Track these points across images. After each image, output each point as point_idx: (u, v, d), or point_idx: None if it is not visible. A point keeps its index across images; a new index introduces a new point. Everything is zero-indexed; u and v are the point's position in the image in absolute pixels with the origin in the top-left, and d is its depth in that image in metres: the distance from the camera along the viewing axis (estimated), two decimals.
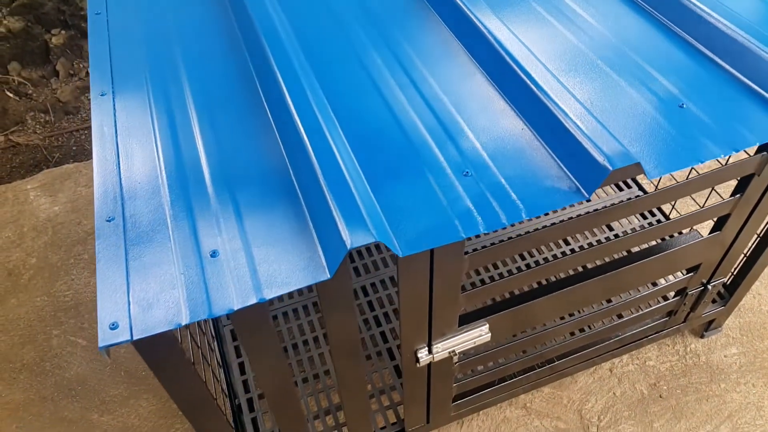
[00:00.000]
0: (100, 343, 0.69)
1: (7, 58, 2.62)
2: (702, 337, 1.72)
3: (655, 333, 1.56)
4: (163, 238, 0.81)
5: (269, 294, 0.73)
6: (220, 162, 0.92)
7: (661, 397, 1.62)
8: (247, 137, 0.96)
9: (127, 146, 0.95)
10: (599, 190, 1.94)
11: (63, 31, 2.65)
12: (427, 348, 1.15)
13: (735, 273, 1.54)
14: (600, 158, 0.80)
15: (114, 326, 0.71)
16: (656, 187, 2.01)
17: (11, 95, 2.58)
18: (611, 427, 1.57)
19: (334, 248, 0.74)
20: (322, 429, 1.48)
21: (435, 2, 1.22)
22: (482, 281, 1.79)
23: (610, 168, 0.78)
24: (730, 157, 1.03)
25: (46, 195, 2.26)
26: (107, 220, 0.84)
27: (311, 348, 1.63)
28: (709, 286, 1.44)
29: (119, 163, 0.93)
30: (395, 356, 1.60)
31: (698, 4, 1.11)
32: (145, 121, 1.00)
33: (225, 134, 0.96)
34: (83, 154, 2.44)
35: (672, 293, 1.50)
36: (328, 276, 0.74)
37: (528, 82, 0.96)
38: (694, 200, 1.79)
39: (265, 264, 0.77)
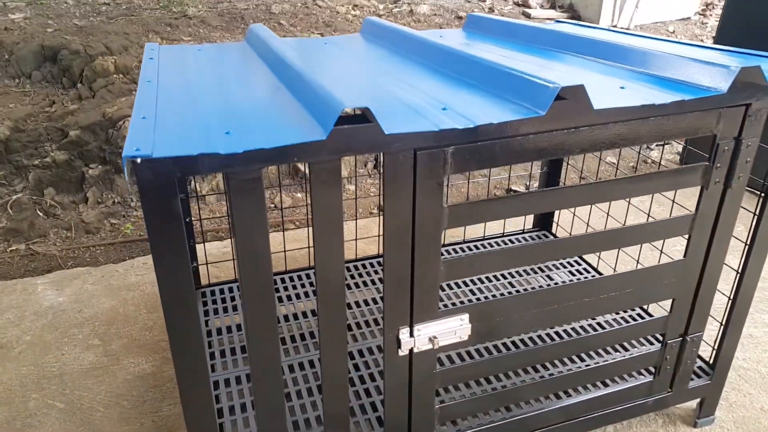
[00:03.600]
0: (124, 154, 0.80)
1: (46, 184, 2.90)
2: (695, 426, 1.67)
3: (644, 398, 1.54)
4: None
5: (274, 143, 0.85)
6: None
7: None
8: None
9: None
10: None
11: (100, 166, 2.97)
12: (408, 330, 1.19)
13: (715, 348, 1.58)
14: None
15: (137, 150, 0.82)
16: None
17: (41, 214, 2.81)
18: None
19: (328, 113, 0.88)
20: None
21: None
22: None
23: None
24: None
25: (53, 289, 2.35)
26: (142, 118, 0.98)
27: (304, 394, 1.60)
28: (688, 338, 1.48)
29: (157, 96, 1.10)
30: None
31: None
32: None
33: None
34: (95, 264, 2.58)
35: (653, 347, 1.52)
36: (324, 137, 0.86)
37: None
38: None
39: (271, 132, 0.90)
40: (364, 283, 2.07)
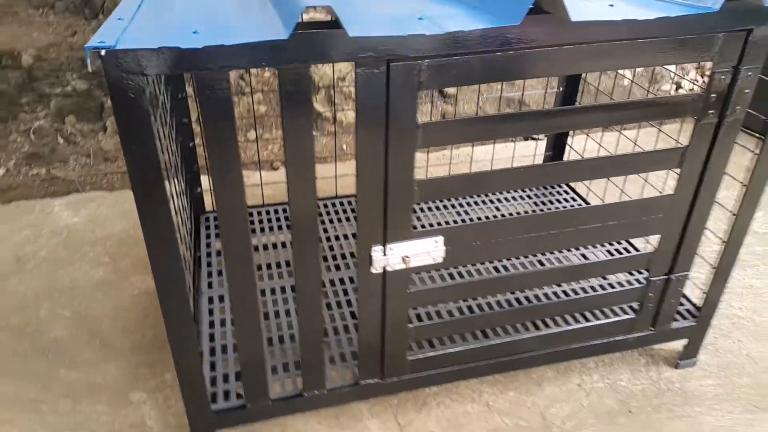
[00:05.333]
0: (87, 44, 0.83)
1: (67, 112, 2.98)
2: (677, 366, 1.68)
3: (625, 335, 1.56)
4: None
5: (234, 40, 0.88)
6: None
7: (630, 412, 1.56)
8: None
9: None
10: None
11: None
12: (381, 248, 1.22)
13: (706, 293, 1.57)
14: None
15: (101, 42, 0.86)
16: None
17: (61, 140, 2.90)
18: (574, 431, 1.50)
19: (291, 12, 0.89)
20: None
21: None
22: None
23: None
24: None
25: (70, 210, 2.45)
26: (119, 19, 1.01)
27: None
28: (673, 277, 1.47)
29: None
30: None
31: None
32: None
33: None
34: (111, 189, 2.66)
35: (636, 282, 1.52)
36: (286, 36, 0.88)
37: None
38: None
39: (238, 33, 0.92)
40: (347, 219, 2.10)
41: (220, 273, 1.84)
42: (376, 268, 1.23)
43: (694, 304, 1.66)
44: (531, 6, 0.93)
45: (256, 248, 1.96)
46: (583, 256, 1.85)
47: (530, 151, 2.37)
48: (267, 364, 1.34)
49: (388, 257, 1.23)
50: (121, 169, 2.81)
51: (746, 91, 1.23)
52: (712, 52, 1.17)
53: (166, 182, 1.03)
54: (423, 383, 1.52)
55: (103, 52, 0.85)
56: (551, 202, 2.14)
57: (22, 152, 2.76)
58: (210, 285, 1.79)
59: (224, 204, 1.07)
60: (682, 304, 1.68)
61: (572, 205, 2.09)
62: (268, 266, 1.88)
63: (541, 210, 2.03)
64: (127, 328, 1.83)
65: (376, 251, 1.22)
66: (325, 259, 1.91)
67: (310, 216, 1.13)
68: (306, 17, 2.65)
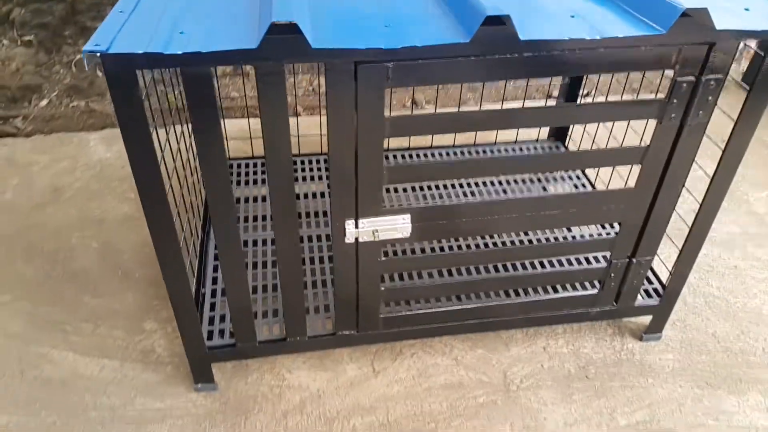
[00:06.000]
0: (84, 48, 0.97)
1: None
2: (641, 339, 1.80)
3: (589, 308, 1.67)
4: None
5: (211, 47, 1.00)
6: None
7: (587, 377, 1.70)
8: None
9: None
10: None
11: None
12: (354, 222, 1.35)
13: (672, 273, 1.66)
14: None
15: (97, 45, 0.99)
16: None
17: (100, 74, 3.07)
18: (531, 390, 1.66)
19: (264, 23, 1.00)
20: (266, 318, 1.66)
21: None
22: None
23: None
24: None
25: (104, 145, 2.65)
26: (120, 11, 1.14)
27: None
28: (635, 260, 1.57)
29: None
30: None
31: None
32: None
33: None
34: None
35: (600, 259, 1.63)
36: (255, 45, 0.99)
37: None
38: None
39: (218, 37, 1.04)
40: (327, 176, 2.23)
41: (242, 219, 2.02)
42: (349, 239, 1.38)
43: (662, 283, 1.76)
44: (482, 23, 1.01)
45: (246, 200, 2.13)
46: (547, 239, 1.92)
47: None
48: (253, 310, 1.51)
49: (360, 230, 1.36)
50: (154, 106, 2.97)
51: (710, 98, 1.29)
52: (673, 62, 1.22)
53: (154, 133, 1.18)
54: (395, 338, 1.69)
55: (99, 54, 0.98)
56: (532, 181, 2.19)
57: (64, 84, 2.94)
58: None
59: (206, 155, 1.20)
60: (650, 282, 1.78)
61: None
62: (263, 218, 2.05)
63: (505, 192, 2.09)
64: (145, 262, 2.04)
65: (349, 225, 1.35)
66: (307, 215, 2.05)
67: (286, 173, 1.24)
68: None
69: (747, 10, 1.20)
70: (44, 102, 2.90)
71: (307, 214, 2.06)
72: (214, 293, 1.74)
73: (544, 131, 2.46)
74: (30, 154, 2.58)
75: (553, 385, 1.67)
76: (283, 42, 1.04)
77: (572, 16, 1.14)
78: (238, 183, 2.21)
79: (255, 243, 1.93)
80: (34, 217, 2.22)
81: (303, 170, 2.28)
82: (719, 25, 1.09)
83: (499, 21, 1.06)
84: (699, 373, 1.72)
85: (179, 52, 0.99)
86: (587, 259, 1.84)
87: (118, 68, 1.03)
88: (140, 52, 0.99)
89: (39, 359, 1.72)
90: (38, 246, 2.09)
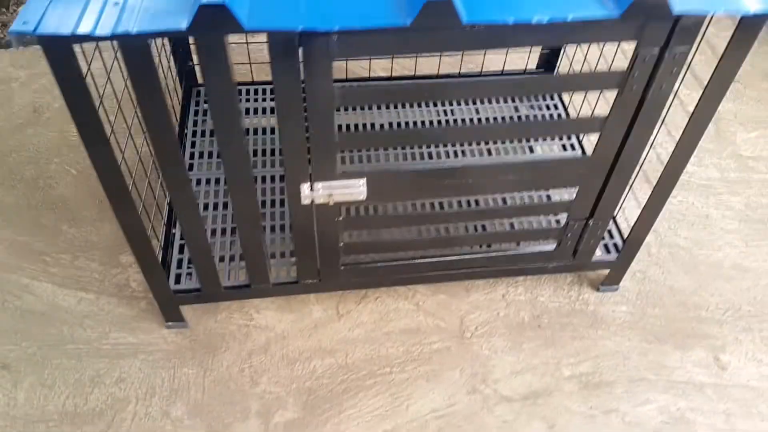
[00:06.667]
0: (10, 30, 0.95)
1: None
2: (598, 290, 1.86)
3: (546, 262, 1.72)
4: None
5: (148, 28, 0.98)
6: None
7: (539, 326, 1.78)
8: None
9: None
10: None
11: None
12: (309, 185, 1.37)
13: (632, 229, 1.68)
14: None
15: (25, 23, 0.97)
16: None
17: None
18: (484, 337, 1.74)
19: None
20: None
21: None
22: None
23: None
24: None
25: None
26: None
27: None
28: (591, 222, 1.59)
29: None
30: None
31: None
32: None
33: None
34: None
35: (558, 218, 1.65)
36: (184, 27, 0.97)
37: None
38: None
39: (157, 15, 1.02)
40: None
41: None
42: (305, 201, 1.40)
43: (623, 237, 1.78)
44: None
45: (196, 134, 2.09)
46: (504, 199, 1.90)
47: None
48: (218, 254, 1.56)
49: (314, 193, 1.38)
50: None
51: (674, 69, 1.25)
52: (636, 35, 1.17)
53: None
54: (358, 286, 1.75)
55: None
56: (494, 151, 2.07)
57: None
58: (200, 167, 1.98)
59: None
60: (612, 236, 1.81)
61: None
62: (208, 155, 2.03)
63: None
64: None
65: (304, 188, 1.37)
66: (263, 152, 2.02)
67: (230, 104, 1.21)
68: None
69: None
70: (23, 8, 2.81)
71: (263, 152, 2.02)
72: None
73: (533, 62, 2.38)
74: (9, 68, 2.55)
75: (506, 333, 1.76)
76: (214, 19, 1.01)
77: None
78: (196, 113, 2.16)
79: (208, 182, 1.93)
80: (15, 139, 2.24)
81: (256, 100, 2.19)
82: (678, 8, 1.04)
83: None
84: (649, 327, 1.79)
85: (108, 34, 0.97)
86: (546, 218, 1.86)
87: (53, 44, 1.02)
88: (67, 33, 0.97)
89: (20, 290, 1.81)
90: (19, 172, 2.13)
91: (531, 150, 1.96)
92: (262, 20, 1.00)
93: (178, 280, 1.67)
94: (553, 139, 1.92)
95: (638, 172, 1.50)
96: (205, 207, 1.86)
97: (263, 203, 1.87)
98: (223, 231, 1.80)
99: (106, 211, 2.02)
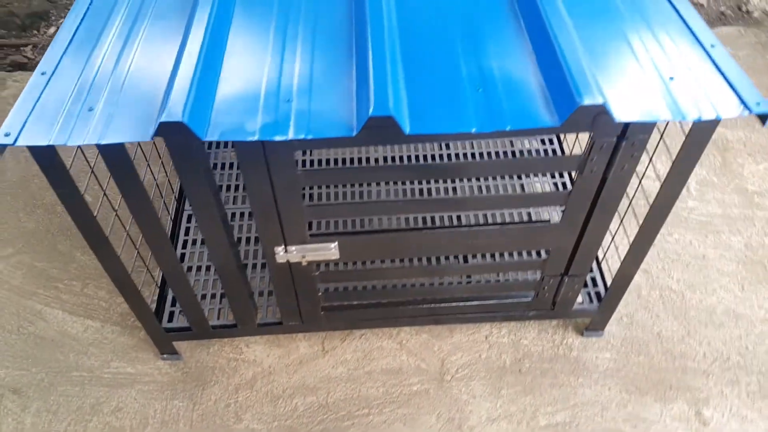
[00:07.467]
0: None
1: None
2: (582, 335, 1.87)
3: (526, 311, 1.75)
4: None
5: (109, 139, 1.06)
6: None
7: (520, 371, 1.81)
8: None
9: None
10: None
11: None
12: (283, 248, 1.44)
13: (612, 281, 1.69)
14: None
15: (7, 134, 1.06)
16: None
17: None
18: (464, 381, 1.79)
19: (152, 120, 1.05)
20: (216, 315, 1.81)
21: None
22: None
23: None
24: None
25: None
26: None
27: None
28: (567, 278, 1.61)
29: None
30: None
31: None
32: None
33: None
34: None
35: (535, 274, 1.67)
36: (149, 138, 1.04)
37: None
38: None
39: (122, 125, 1.09)
40: None
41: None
42: (280, 261, 1.47)
43: (606, 284, 1.79)
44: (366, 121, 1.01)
45: None
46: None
47: None
48: (203, 292, 1.65)
49: (289, 254, 1.45)
50: None
51: (634, 154, 1.25)
52: (589, 127, 1.19)
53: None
54: (338, 327, 1.82)
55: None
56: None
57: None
58: None
59: None
60: (595, 285, 1.82)
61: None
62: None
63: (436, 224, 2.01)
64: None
65: (278, 250, 1.44)
66: (237, 187, 2.09)
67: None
68: None
69: (672, 79, 1.14)
70: (53, 29, 2.95)
71: (236, 188, 2.09)
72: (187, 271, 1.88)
73: None
74: None
75: (486, 376, 1.80)
76: (174, 128, 1.08)
77: (478, 90, 1.12)
78: None
79: (189, 219, 2.02)
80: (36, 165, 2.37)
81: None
82: (620, 116, 1.05)
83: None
84: (632, 375, 1.80)
85: (79, 143, 1.05)
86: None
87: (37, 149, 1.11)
88: (44, 144, 1.06)
89: (34, 316, 1.95)
90: (40, 197, 2.27)
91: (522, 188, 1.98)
92: (217, 133, 1.06)
93: (171, 318, 1.77)
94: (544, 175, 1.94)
95: (619, 227, 1.51)
96: (193, 242, 1.95)
97: (247, 240, 1.95)
98: (208, 268, 1.90)
99: (116, 239, 2.13)
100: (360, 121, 1.04)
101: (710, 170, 2.31)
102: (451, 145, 2.01)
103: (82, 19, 1.31)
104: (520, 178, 1.94)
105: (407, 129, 1.04)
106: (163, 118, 1.02)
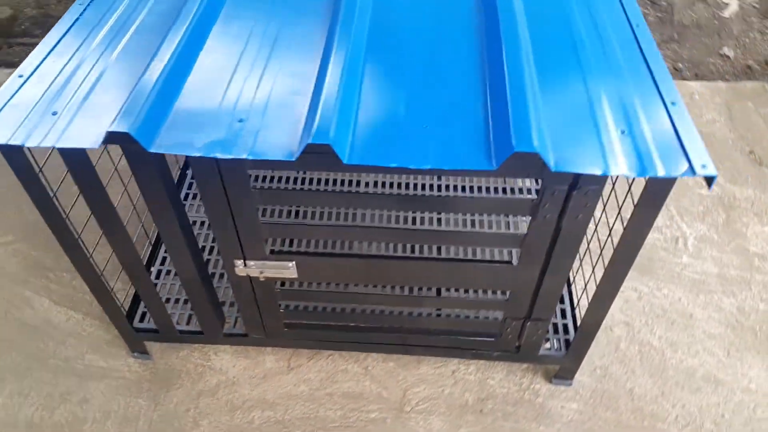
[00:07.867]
0: None
1: None
2: (551, 382, 1.84)
3: (490, 349, 1.73)
4: None
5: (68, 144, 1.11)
6: None
7: (481, 411, 1.78)
8: None
9: None
10: None
11: None
12: (242, 262, 1.47)
13: (576, 332, 1.66)
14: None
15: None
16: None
17: None
18: (422, 414, 1.77)
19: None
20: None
21: None
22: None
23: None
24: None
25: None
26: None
27: None
28: (529, 322, 1.59)
29: None
30: None
31: None
32: None
33: None
34: None
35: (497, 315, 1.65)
36: (97, 145, 1.09)
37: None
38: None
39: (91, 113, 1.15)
40: None
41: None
42: (240, 274, 1.50)
43: (576, 328, 1.75)
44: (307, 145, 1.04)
45: None
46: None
47: None
48: (170, 297, 1.69)
49: (248, 269, 1.48)
50: None
51: (587, 204, 1.24)
52: (537, 174, 1.18)
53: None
54: (302, 346, 1.84)
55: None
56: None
57: None
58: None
59: None
60: (566, 332, 1.78)
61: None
62: None
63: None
64: (132, 218, 2.26)
65: (237, 263, 1.47)
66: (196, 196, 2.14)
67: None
68: None
69: (623, 132, 1.13)
70: None
71: (194, 195, 2.16)
72: (159, 274, 1.94)
73: None
74: None
75: (446, 412, 1.78)
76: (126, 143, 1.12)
77: (424, 127, 1.13)
78: None
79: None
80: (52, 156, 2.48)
81: None
82: (557, 165, 1.05)
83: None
84: (596, 430, 1.76)
85: (33, 146, 1.11)
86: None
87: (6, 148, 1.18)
88: (21, 144, 1.12)
89: (22, 302, 2.03)
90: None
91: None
92: (164, 146, 1.10)
93: (143, 319, 1.82)
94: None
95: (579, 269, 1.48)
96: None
97: (211, 249, 1.99)
98: (169, 272, 1.94)
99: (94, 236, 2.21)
100: (301, 146, 1.06)
101: (712, 227, 2.25)
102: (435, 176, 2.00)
103: (68, 29, 1.38)
104: (507, 216, 1.94)
105: (345, 159, 1.06)
106: (112, 128, 1.07)
